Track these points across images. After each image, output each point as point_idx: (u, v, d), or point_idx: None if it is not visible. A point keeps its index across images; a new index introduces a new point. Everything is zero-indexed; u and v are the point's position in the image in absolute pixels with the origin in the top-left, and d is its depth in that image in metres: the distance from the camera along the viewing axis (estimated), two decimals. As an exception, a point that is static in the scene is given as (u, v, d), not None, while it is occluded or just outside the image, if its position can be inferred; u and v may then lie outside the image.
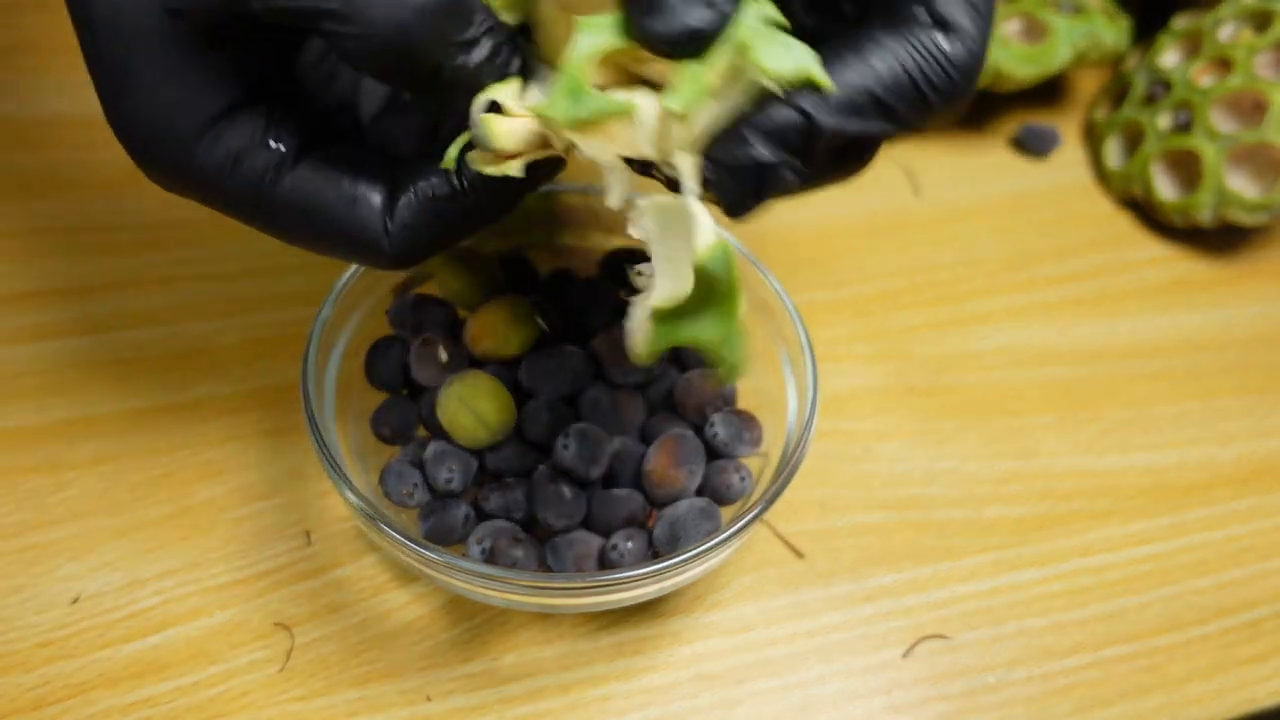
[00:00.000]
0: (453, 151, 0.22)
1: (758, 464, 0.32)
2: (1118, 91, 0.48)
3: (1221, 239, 0.45)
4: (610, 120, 0.20)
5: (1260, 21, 0.43)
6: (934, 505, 0.35)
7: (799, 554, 0.34)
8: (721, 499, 0.29)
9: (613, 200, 0.22)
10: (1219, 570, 0.35)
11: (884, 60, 0.20)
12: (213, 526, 0.32)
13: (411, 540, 0.25)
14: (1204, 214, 0.43)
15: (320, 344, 0.29)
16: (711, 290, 0.20)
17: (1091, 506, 0.36)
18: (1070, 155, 0.48)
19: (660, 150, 0.20)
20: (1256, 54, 0.42)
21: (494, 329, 0.30)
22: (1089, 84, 0.51)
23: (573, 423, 0.29)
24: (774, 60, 0.19)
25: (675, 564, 0.25)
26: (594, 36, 0.20)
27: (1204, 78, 0.44)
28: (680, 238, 0.21)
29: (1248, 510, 0.36)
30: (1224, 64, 0.43)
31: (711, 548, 0.26)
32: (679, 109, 0.19)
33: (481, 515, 0.29)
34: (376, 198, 0.23)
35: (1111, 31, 0.46)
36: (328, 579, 0.31)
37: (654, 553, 0.29)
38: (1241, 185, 0.42)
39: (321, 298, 0.29)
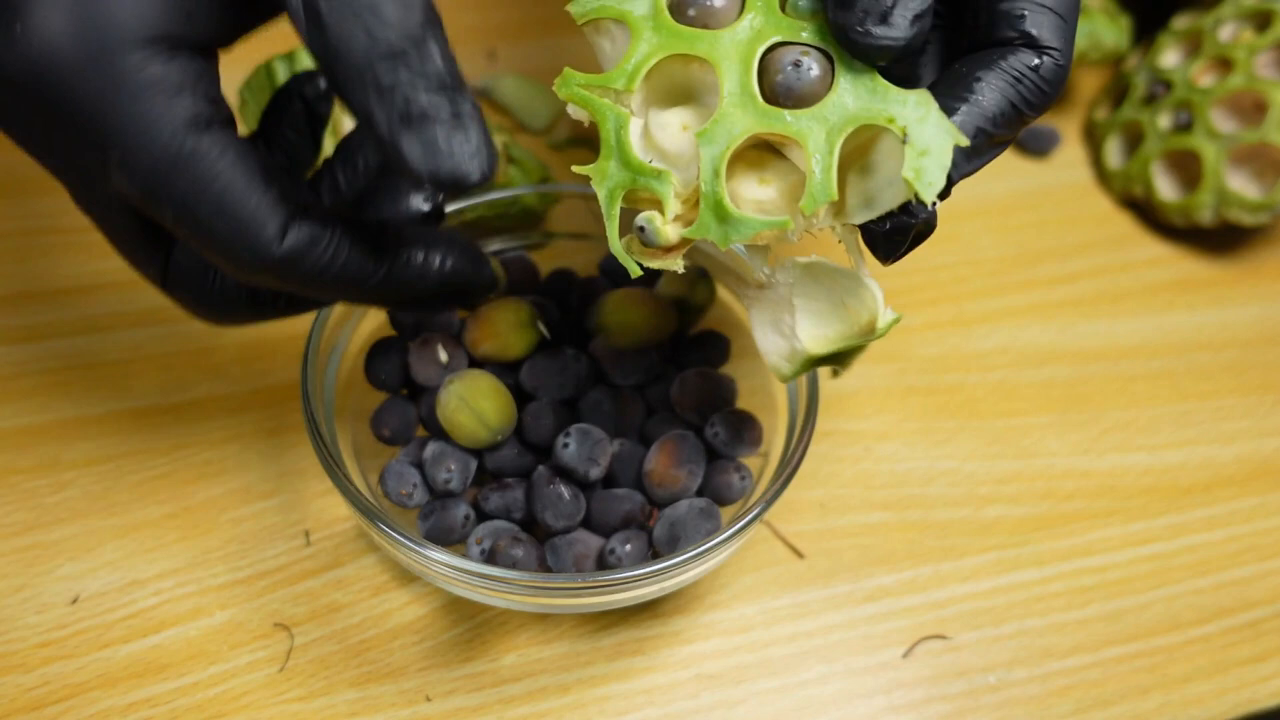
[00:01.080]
0: (617, 245, 0.23)
1: (758, 464, 0.31)
2: (1118, 91, 0.48)
3: (1222, 239, 0.45)
4: (761, 234, 0.22)
5: (1260, 21, 0.43)
6: (934, 505, 0.35)
7: (799, 554, 0.33)
8: (721, 499, 0.29)
9: (759, 272, 0.25)
10: (1219, 570, 0.35)
11: (989, 97, 0.22)
12: (213, 526, 0.32)
13: (411, 540, 0.25)
14: (1204, 214, 0.43)
15: (320, 344, 0.29)
16: (866, 340, 0.23)
17: (1092, 506, 0.36)
18: (1071, 155, 0.48)
19: (808, 228, 0.22)
20: (1257, 54, 0.42)
21: (495, 332, 0.30)
22: (1089, 84, 0.51)
23: (573, 423, 0.29)
24: (927, 147, 0.21)
25: (675, 564, 0.25)
26: (714, 145, 0.21)
27: (1204, 78, 0.44)
28: (830, 294, 0.24)
29: (1248, 510, 0.36)
30: (1224, 64, 0.43)
31: (711, 548, 0.26)
32: (809, 210, 0.21)
33: (481, 515, 0.29)
34: (281, 206, 0.21)
35: (1112, 31, 0.46)
36: (327, 579, 0.31)
37: (654, 553, 0.29)
38: (1242, 185, 0.42)
39: (321, 298, 0.29)
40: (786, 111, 0.21)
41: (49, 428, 0.33)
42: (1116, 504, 0.36)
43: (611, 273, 0.33)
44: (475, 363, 0.31)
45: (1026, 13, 0.22)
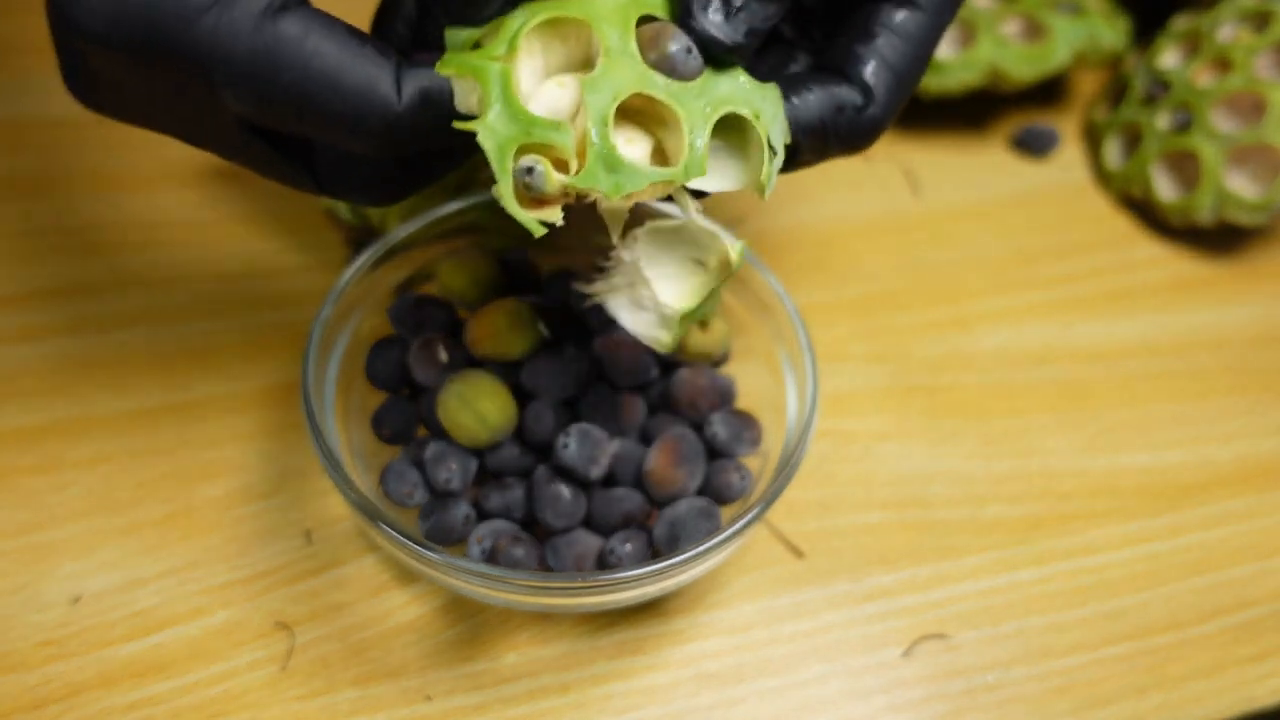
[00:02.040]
0: (512, 202, 0.22)
1: (758, 464, 0.32)
2: (1117, 92, 0.49)
3: (1221, 239, 0.45)
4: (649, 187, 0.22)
5: (1259, 22, 0.43)
6: (934, 505, 0.35)
7: (799, 554, 0.34)
8: (721, 499, 0.30)
9: (616, 238, 0.25)
10: (1218, 569, 0.35)
11: (810, 109, 0.24)
12: (213, 526, 0.32)
13: (411, 540, 0.25)
14: (1203, 214, 0.43)
15: (320, 344, 0.29)
16: (726, 276, 0.24)
17: (1091, 506, 0.36)
18: (1070, 155, 0.48)
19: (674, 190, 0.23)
20: (1256, 54, 0.42)
21: (495, 332, 0.30)
22: (1088, 84, 0.51)
23: (573, 423, 0.29)
24: (775, 130, 0.23)
25: (675, 564, 0.26)
26: (601, 94, 0.21)
27: (1203, 78, 0.44)
28: (674, 252, 0.25)
29: (1247, 509, 0.36)
30: (1223, 64, 0.43)
31: (711, 548, 0.26)
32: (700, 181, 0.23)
33: (481, 515, 0.30)
34: (385, 60, 0.21)
35: (1111, 32, 0.46)
36: (328, 578, 0.31)
37: (654, 553, 0.29)
38: (1241, 185, 0.42)
39: (321, 298, 0.30)
40: (664, 79, 0.22)
41: (49, 428, 0.33)
42: (1115, 503, 0.36)
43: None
44: (475, 363, 0.31)
45: (872, 63, 0.24)
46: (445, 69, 0.22)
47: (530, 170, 0.21)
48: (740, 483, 0.29)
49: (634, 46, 0.22)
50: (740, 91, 0.23)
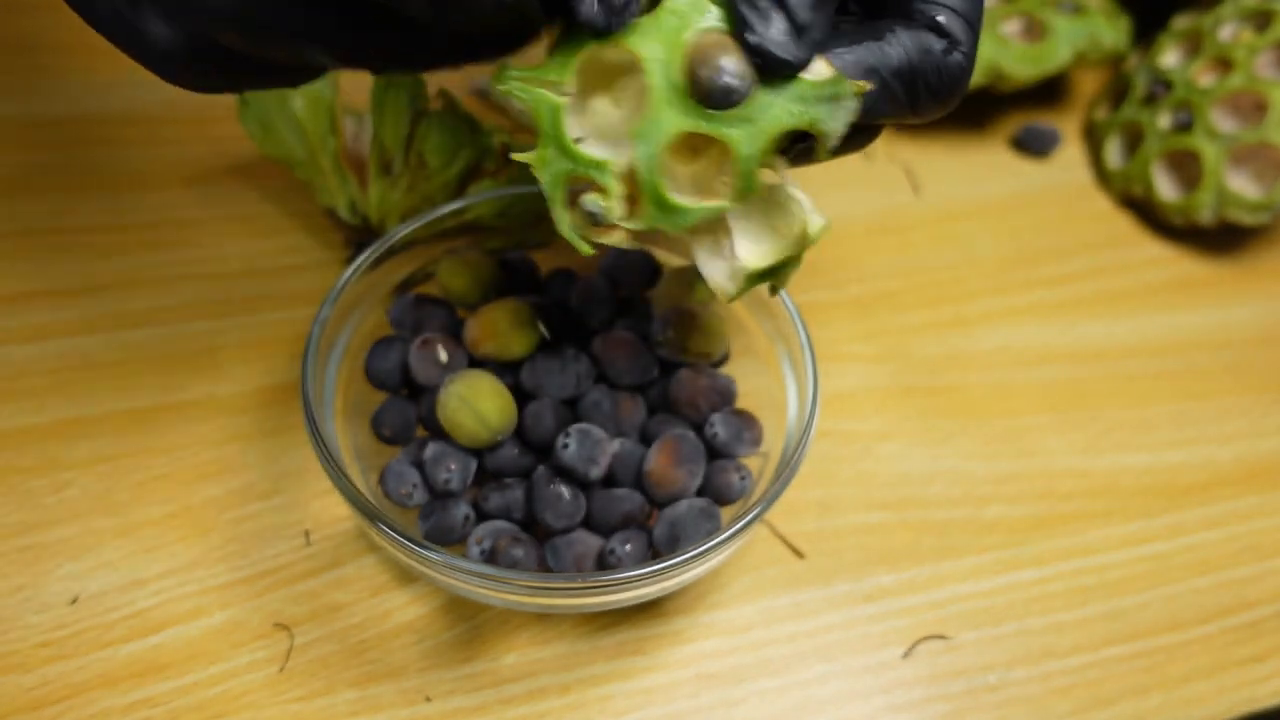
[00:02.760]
0: (567, 228, 0.24)
1: (758, 464, 0.32)
2: (1118, 91, 0.48)
3: (1222, 239, 0.45)
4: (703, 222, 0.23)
5: (1260, 21, 0.43)
6: (934, 505, 0.35)
7: (799, 554, 0.33)
8: (721, 499, 0.29)
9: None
10: (1219, 570, 0.35)
11: (895, 51, 0.22)
12: (213, 526, 0.32)
13: (411, 540, 0.25)
14: (1204, 214, 0.43)
15: (320, 344, 0.29)
16: (803, 248, 0.24)
17: (1091, 506, 0.36)
18: (1070, 155, 0.48)
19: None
20: (1257, 54, 0.42)
21: (495, 332, 0.30)
22: (1089, 84, 0.51)
23: (573, 423, 0.29)
24: (831, 121, 0.22)
25: (675, 564, 0.25)
26: (648, 142, 0.22)
27: (1204, 77, 0.44)
28: (763, 213, 0.24)
29: (1247, 510, 0.36)
30: (1224, 64, 0.43)
31: (711, 548, 0.26)
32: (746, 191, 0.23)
33: (481, 515, 0.29)
34: None
35: (1112, 31, 0.46)
36: (327, 579, 0.31)
37: (654, 553, 0.29)
38: (1242, 185, 0.42)
39: (321, 298, 0.29)
40: (713, 112, 0.22)
41: (49, 428, 0.33)
42: (1116, 503, 0.36)
43: (612, 273, 0.33)
44: (475, 363, 0.31)
45: (941, 17, 0.23)
46: (498, 85, 0.23)
47: (593, 213, 0.23)
48: (740, 483, 0.29)
49: (681, 79, 0.22)
50: (789, 102, 0.22)
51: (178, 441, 0.34)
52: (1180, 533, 0.35)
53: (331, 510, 0.33)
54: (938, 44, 0.23)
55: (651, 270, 0.33)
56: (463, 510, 0.29)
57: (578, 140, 0.23)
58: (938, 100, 0.23)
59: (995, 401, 0.38)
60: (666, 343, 0.31)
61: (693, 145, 0.23)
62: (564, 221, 0.24)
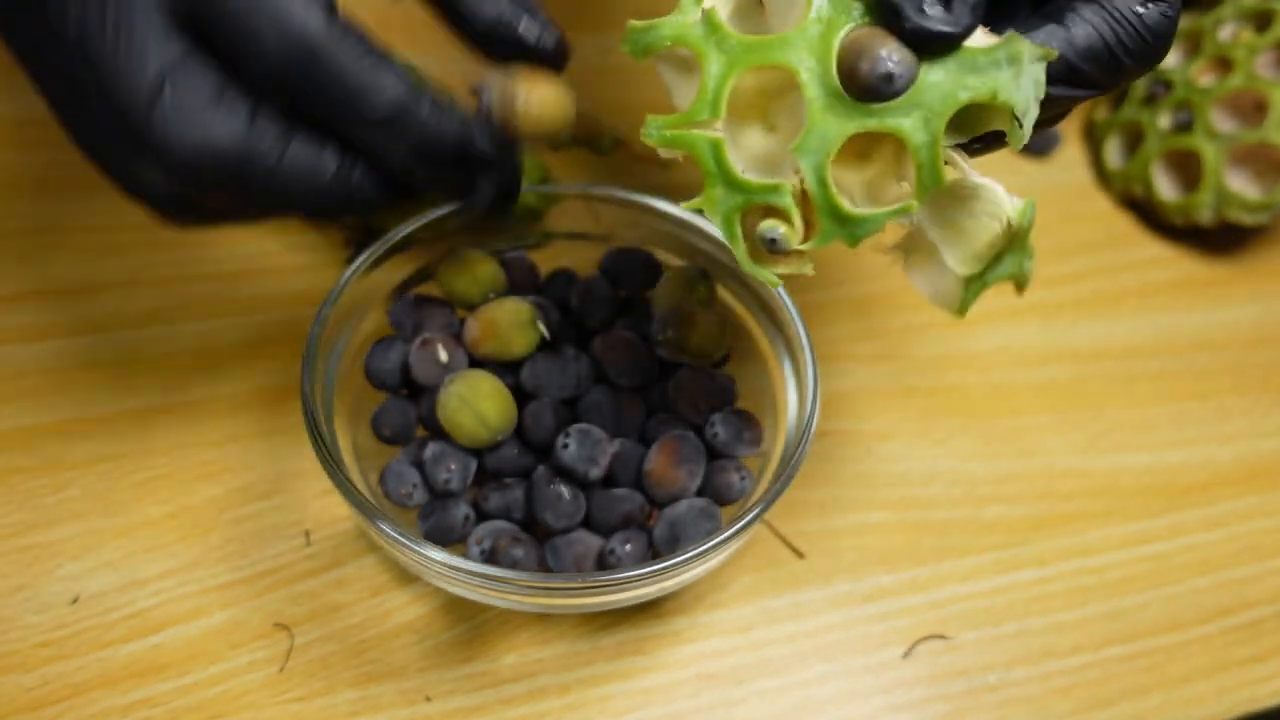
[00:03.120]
0: (749, 265, 0.23)
1: (758, 464, 0.31)
2: (1118, 91, 0.48)
3: (1222, 239, 0.45)
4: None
5: (1261, 21, 0.43)
6: (934, 505, 0.35)
7: (799, 554, 0.33)
8: (721, 499, 0.29)
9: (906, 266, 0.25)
10: (1219, 570, 0.35)
11: (1080, 29, 0.21)
12: (212, 526, 0.32)
13: (411, 541, 0.25)
14: (1204, 214, 0.43)
15: (320, 344, 0.29)
16: (1014, 236, 0.23)
17: (1091, 506, 0.36)
18: (1070, 155, 0.48)
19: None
20: (1257, 54, 0.42)
21: (495, 332, 0.30)
22: (1089, 84, 0.51)
23: (573, 423, 0.29)
24: (1016, 94, 0.21)
25: (675, 564, 0.25)
26: (812, 155, 0.21)
27: (1204, 77, 0.44)
28: (959, 215, 0.23)
29: (1248, 510, 0.36)
30: (1224, 64, 0.43)
31: (711, 548, 0.26)
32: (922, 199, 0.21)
33: (481, 515, 0.29)
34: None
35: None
36: (327, 579, 0.31)
37: (654, 553, 0.28)
38: (1242, 185, 0.42)
39: (321, 298, 0.29)
40: (878, 107, 0.20)
41: (49, 428, 0.33)
42: (1116, 504, 0.36)
43: (612, 273, 0.33)
44: (475, 363, 0.31)
45: None
46: (650, 140, 0.22)
47: (774, 241, 0.22)
48: (740, 483, 0.29)
49: (836, 82, 0.21)
50: (960, 74, 0.20)
51: (178, 441, 0.34)
52: (1180, 533, 0.35)
53: (331, 510, 0.33)
54: (1133, 6, 0.21)
55: (652, 270, 0.33)
56: (463, 510, 0.29)
57: (742, 173, 0.22)
58: (1139, 62, 0.22)
59: (995, 401, 0.38)
60: (666, 343, 0.31)
61: (861, 151, 0.22)
62: (745, 259, 0.23)
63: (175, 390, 0.35)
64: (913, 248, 0.25)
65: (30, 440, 0.33)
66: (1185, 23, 0.47)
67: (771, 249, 0.22)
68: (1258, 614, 0.34)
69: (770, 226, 0.22)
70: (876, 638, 0.32)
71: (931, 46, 0.20)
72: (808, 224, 0.22)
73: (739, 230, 0.22)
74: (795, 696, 0.31)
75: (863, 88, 0.20)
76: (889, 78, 0.20)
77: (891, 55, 0.20)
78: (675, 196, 0.37)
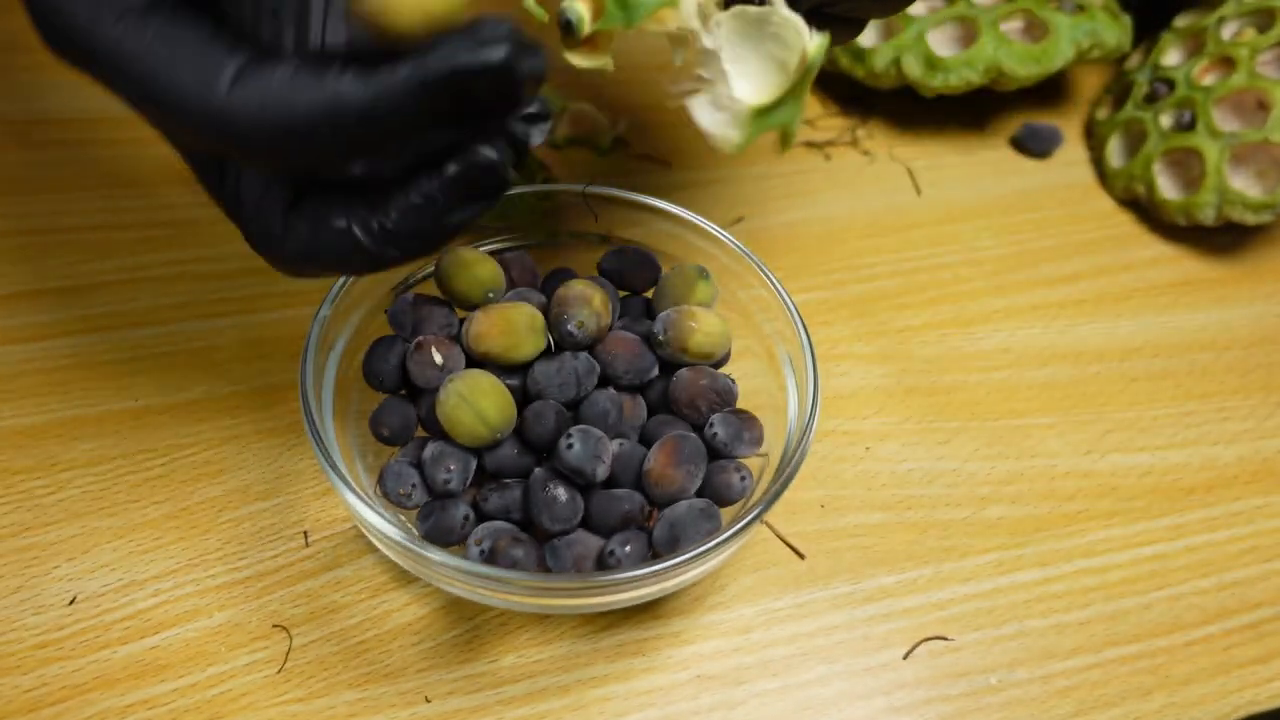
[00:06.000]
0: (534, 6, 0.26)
1: (758, 464, 0.31)
2: (1120, 90, 0.48)
3: (1224, 238, 0.45)
4: (661, 10, 0.23)
5: (1263, 20, 0.43)
6: (935, 505, 0.35)
7: (800, 554, 0.33)
8: (721, 499, 0.29)
9: (678, 58, 0.26)
10: (1221, 571, 0.35)
11: None
12: (211, 527, 0.32)
13: (410, 541, 0.25)
14: (1206, 213, 0.43)
15: (319, 344, 0.29)
16: (801, 80, 0.24)
17: (1093, 507, 0.36)
18: (1072, 154, 0.48)
19: (702, 19, 0.24)
20: (1259, 53, 0.42)
21: (495, 332, 0.30)
22: (1091, 83, 0.51)
23: (574, 424, 0.29)
24: None
25: (675, 565, 0.25)
26: None
27: (1206, 77, 0.44)
28: (759, 44, 0.24)
29: (1250, 511, 0.36)
30: (1226, 63, 0.43)
31: (711, 548, 0.26)
32: None
33: (481, 515, 0.29)
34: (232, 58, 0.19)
35: (1113, 30, 0.46)
36: (326, 580, 0.31)
37: (654, 553, 0.28)
38: (1244, 184, 0.42)
39: (321, 298, 0.29)
40: None
41: (47, 428, 0.33)
42: (1118, 504, 0.36)
43: (612, 273, 0.33)
44: (475, 363, 0.31)
45: None
46: None
47: (569, 24, 0.24)
48: (740, 483, 0.29)
49: None
50: None
51: (176, 442, 0.33)
52: (1182, 534, 0.35)
53: (331, 511, 0.33)
54: None
55: (652, 270, 0.33)
56: (462, 510, 0.29)
57: None
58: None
59: (996, 401, 0.38)
60: (666, 343, 0.31)
61: None
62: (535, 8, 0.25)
63: (174, 390, 0.35)
64: (696, 85, 0.26)
65: (28, 440, 0.33)
66: (1187, 21, 0.47)
67: (567, 31, 0.24)
68: (1260, 615, 0.34)
69: (568, 6, 0.24)
70: (877, 639, 0.32)
71: None
72: (598, 12, 0.24)
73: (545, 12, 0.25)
74: (796, 698, 0.30)
75: None
76: None
77: None
78: (675, 197, 0.37)
